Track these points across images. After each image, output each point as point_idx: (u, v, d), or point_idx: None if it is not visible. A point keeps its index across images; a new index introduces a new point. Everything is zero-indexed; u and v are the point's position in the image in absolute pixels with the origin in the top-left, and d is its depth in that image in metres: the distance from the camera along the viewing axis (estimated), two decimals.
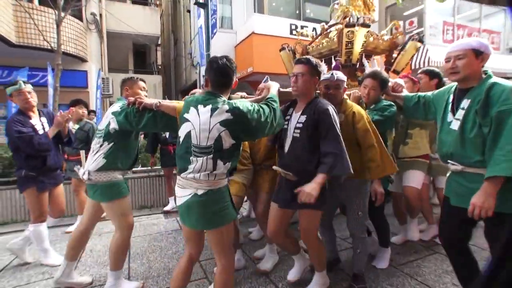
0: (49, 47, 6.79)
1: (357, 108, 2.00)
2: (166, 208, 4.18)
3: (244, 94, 2.65)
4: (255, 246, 2.86)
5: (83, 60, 8.46)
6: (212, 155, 1.49)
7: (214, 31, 6.50)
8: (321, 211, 1.86)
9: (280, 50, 4.26)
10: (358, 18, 3.40)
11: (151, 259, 2.69)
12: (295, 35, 5.02)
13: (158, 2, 14.07)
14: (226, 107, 1.50)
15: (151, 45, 14.26)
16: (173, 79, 14.90)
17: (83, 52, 8.37)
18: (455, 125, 1.54)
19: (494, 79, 1.48)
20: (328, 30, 3.93)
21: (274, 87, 1.89)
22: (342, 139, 1.72)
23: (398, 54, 3.68)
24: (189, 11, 10.79)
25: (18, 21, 6.71)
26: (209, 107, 1.50)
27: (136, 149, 2.19)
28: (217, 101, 1.53)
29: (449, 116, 1.60)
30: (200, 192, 1.50)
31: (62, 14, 5.80)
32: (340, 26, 3.47)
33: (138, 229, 3.44)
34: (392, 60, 3.77)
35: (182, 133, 1.57)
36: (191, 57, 10.38)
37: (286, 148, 1.85)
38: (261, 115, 1.56)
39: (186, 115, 1.57)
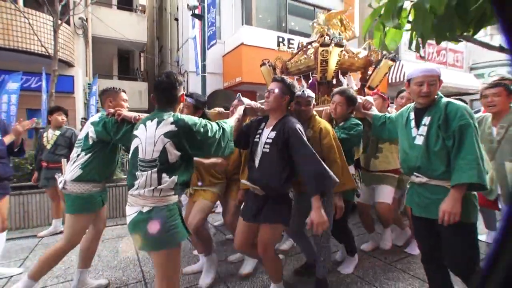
0: (38, 51, 6.80)
1: (324, 124, 2.11)
2: None
3: (221, 109, 2.68)
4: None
5: (70, 65, 8.29)
6: (156, 169, 1.43)
7: (212, 42, 6.61)
8: (281, 227, 1.91)
9: (261, 66, 4.32)
10: (332, 38, 3.54)
11: None
12: (283, 47, 5.31)
13: (141, 9, 14.18)
14: (171, 119, 1.48)
15: (135, 51, 14.29)
16: None
17: (71, 57, 8.21)
18: (419, 140, 1.66)
19: (445, 98, 1.67)
20: (308, 47, 4.04)
21: (240, 109, 2.00)
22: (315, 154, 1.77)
23: (373, 71, 3.81)
24: (176, 19, 10.79)
25: (4, 23, 6.52)
26: (155, 120, 1.49)
27: (115, 162, 2.13)
28: (163, 115, 1.52)
29: (413, 132, 1.72)
30: (145, 209, 1.42)
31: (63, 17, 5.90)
32: (316, 44, 3.57)
33: None
34: (367, 77, 3.90)
35: (131, 150, 1.55)
36: (178, 65, 10.40)
37: (257, 163, 1.88)
38: (208, 130, 1.54)
39: (135, 132, 1.56)
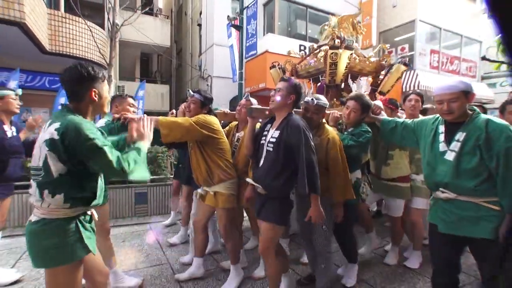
0: (78, 55, 7.33)
1: (332, 134, 2.04)
2: (165, 222, 3.85)
3: (227, 110, 2.61)
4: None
5: (104, 68, 8.73)
6: (37, 182, 1.23)
7: (252, 52, 6.77)
8: (281, 228, 1.85)
9: (271, 68, 4.24)
10: (342, 41, 3.40)
11: None
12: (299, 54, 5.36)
13: (161, 13, 14.89)
14: (57, 125, 1.21)
15: (153, 54, 14.94)
16: (174, 88, 15.38)
17: (104, 60, 8.68)
18: (450, 156, 1.57)
19: (484, 115, 1.57)
20: (318, 50, 3.94)
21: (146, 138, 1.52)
22: (314, 156, 1.73)
23: (385, 76, 3.67)
24: (199, 25, 11.30)
25: (52, 29, 7.00)
26: (54, 123, 1.23)
27: None
28: (61, 115, 1.27)
29: (442, 146, 1.62)
30: (33, 219, 1.25)
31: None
32: (326, 47, 3.46)
33: None
34: (379, 82, 3.76)
35: None
36: (200, 69, 10.83)
37: (261, 162, 1.86)
38: (101, 147, 1.21)
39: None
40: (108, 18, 8.49)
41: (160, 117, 1.96)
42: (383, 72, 3.80)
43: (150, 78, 14.40)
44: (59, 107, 1.36)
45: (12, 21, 5.12)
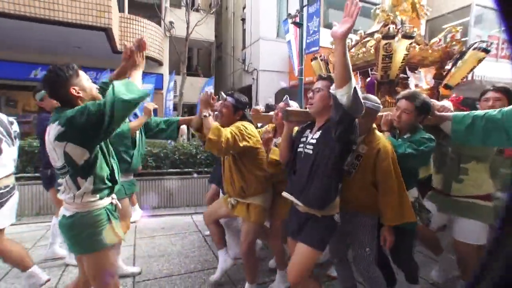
0: (151, 56, 8.07)
1: (384, 143, 1.70)
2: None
3: (262, 108, 2.39)
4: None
5: (160, 64, 9.50)
6: (69, 174, 1.36)
7: (313, 49, 6.68)
8: (318, 253, 1.57)
9: (312, 60, 3.76)
10: (399, 28, 2.76)
11: None
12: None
13: (201, 8, 15.60)
14: (56, 123, 1.32)
15: (194, 48, 15.72)
16: (214, 81, 16.48)
17: (161, 56, 9.42)
18: None
19: None
20: (368, 39, 3.29)
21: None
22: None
23: (453, 66, 2.96)
24: (243, 19, 11.83)
25: (122, 30, 7.81)
26: (52, 125, 1.34)
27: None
28: (58, 117, 1.34)
29: None
30: (68, 213, 1.40)
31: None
32: (378, 35, 2.85)
33: None
34: (445, 73, 3.08)
35: None
36: (244, 62, 11.32)
37: (298, 172, 1.60)
38: (87, 107, 1.30)
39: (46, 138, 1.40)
40: (164, 17, 9.27)
41: (214, 127, 1.83)
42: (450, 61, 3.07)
43: (191, 72, 15.26)
44: (52, 112, 1.42)
45: (102, 27, 5.94)
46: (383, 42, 2.72)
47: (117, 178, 1.53)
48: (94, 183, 1.39)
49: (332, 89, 1.37)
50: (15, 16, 5.32)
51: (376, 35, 2.95)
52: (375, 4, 10.15)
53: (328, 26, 10.16)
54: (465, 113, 1.72)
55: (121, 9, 8.16)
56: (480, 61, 2.86)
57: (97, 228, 1.41)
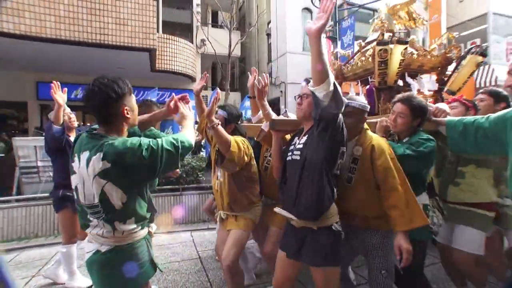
0: (177, 70, 8.42)
1: (377, 140, 1.61)
2: None
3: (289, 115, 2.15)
4: None
5: (193, 80, 9.85)
6: (103, 218, 1.17)
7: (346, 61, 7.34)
8: (337, 268, 1.46)
9: None
10: (395, 34, 2.83)
11: None
12: None
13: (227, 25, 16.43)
14: (100, 154, 1.12)
15: (218, 63, 16.45)
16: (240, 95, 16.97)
17: (194, 72, 9.79)
18: None
19: None
20: (367, 48, 3.40)
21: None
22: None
23: (453, 72, 3.00)
24: (268, 35, 12.49)
25: (159, 50, 7.80)
26: (87, 153, 1.15)
27: None
28: (97, 144, 1.15)
29: None
30: (104, 248, 1.20)
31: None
32: (374, 43, 2.92)
33: None
34: (446, 78, 3.09)
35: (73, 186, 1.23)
36: (270, 76, 11.61)
37: (288, 180, 1.52)
38: (141, 146, 1.15)
39: (72, 164, 1.23)
40: (196, 35, 9.88)
41: (232, 139, 1.81)
42: (451, 68, 3.10)
43: (214, 86, 15.94)
44: (84, 135, 1.24)
45: (147, 48, 6.44)
46: (377, 48, 2.80)
47: (153, 204, 1.40)
48: (136, 222, 1.24)
49: (311, 86, 1.34)
50: (69, 42, 5.75)
51: (373, 44, 3.04)
52: (375, 10, 10.48)
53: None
54: (458, 118, 1.69)
55: (157, 29, 8.78)
56: (478, 65, 2.92)
57: (140, 261, 1.26)
